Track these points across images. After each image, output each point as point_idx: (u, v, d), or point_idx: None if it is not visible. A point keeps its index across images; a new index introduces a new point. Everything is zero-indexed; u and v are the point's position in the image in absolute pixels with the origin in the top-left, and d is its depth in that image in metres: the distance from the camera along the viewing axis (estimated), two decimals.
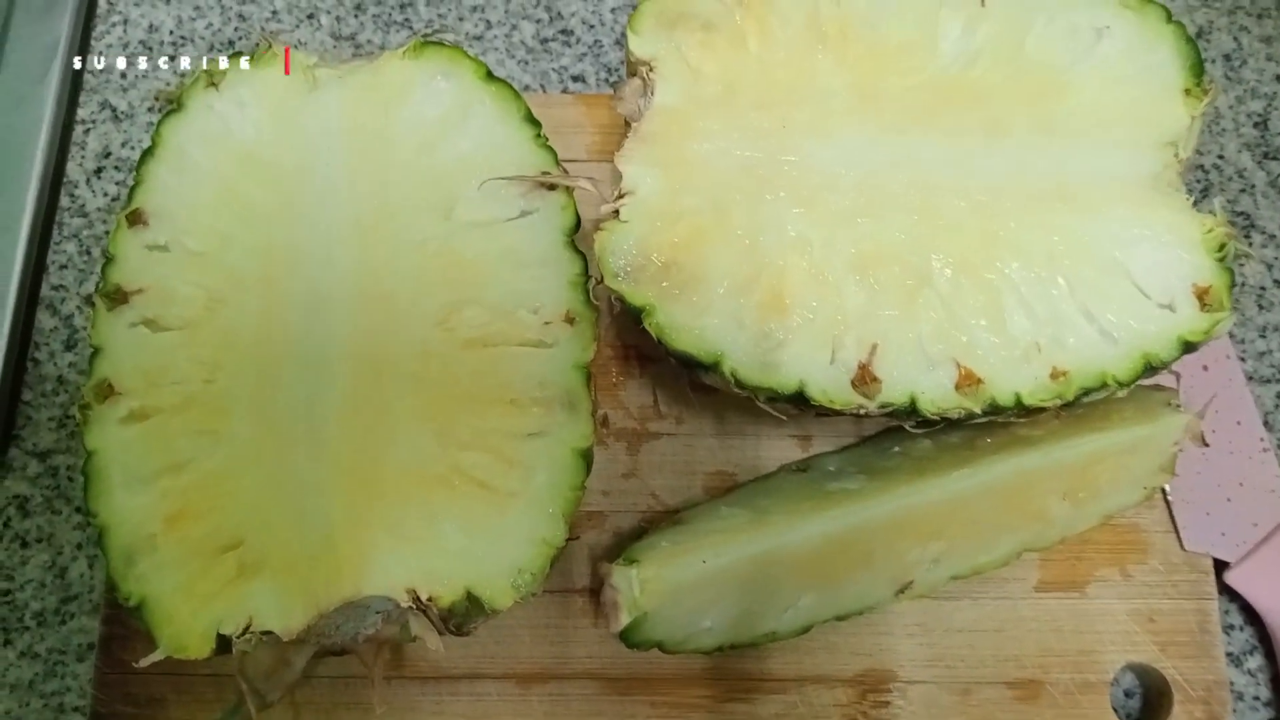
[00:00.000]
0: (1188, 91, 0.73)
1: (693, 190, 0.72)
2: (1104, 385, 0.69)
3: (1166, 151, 0.73)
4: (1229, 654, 0.85)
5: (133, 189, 0.74)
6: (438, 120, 0.74)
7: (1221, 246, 0.70)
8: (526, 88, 0.99)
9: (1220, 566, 0.83)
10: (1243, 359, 0.91)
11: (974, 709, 0.78)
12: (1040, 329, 0.70)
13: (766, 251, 0.71)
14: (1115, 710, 0.79)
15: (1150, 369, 0.69)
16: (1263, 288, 0.93)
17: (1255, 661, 0.85)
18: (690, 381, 0.84)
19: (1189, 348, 0.70)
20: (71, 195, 0.96)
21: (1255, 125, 0.98)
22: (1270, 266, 0.94)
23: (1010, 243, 0.71)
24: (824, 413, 0.71)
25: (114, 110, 0.99)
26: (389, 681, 0.79)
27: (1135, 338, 0.69)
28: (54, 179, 0.96)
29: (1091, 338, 0.70)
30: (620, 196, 0.72)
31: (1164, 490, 0.83)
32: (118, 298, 0.71)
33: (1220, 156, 0.97)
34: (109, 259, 0.72)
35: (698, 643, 0.73)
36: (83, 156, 0.97)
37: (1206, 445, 0.74)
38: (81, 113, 0.99)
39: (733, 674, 0.79)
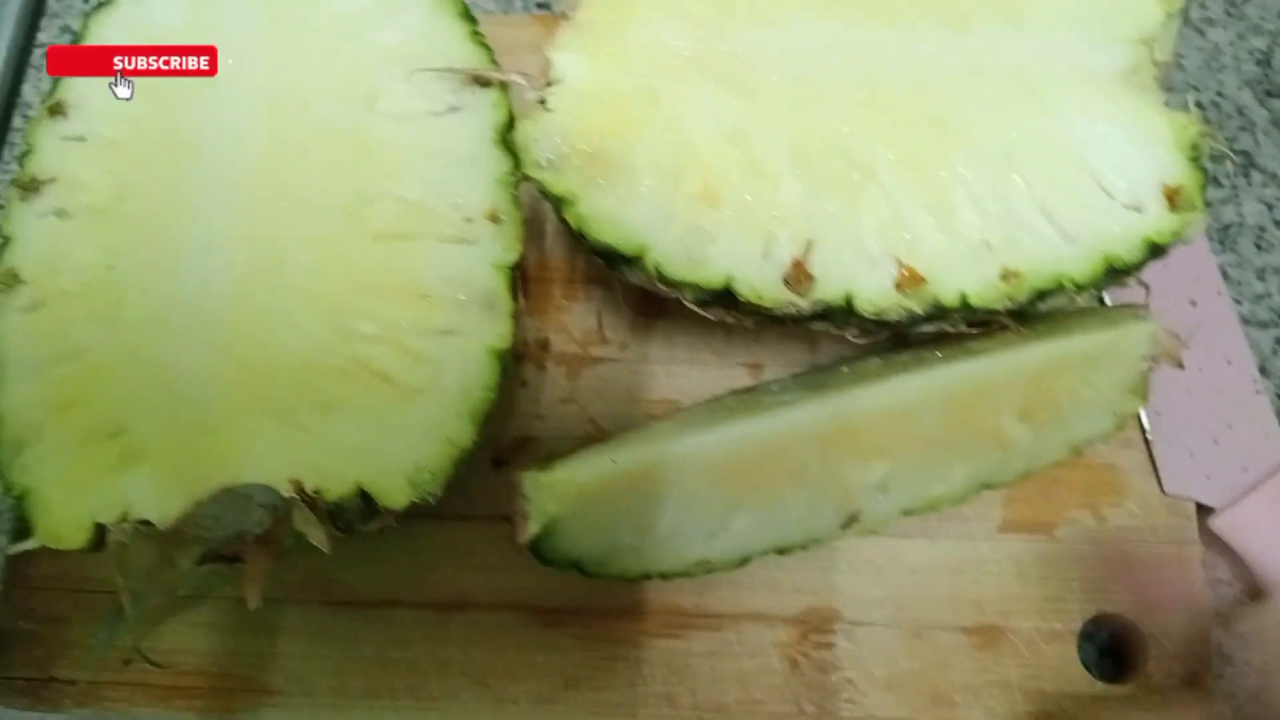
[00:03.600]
0: None
1: (625, 79, 0.67)
2: (1060, 287, 0.63)
3: (1139, 49, 0.67)
4: (1217, 614, 0.78)
5: (55, 82, 0.72)
6: (366, 7, 0.71)
7: (1195, 145, 0.65)
8: (489, 11, 0.95)
9: (1204, 514, 0.76)
10: (1239, 301, 0.85)
11: (927, 654, 0.72)
12: (992, 227, 0.64)
13: (700, 142, 0.66)
14: (1084, 664, 0.73)
15: (1113, 272, 0.64)
16: (1262, 228, 0.87)
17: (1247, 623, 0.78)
18: (634, 303, 0.80)
19: (1156, 250, 0.64)
20: (25, 117, 0.94)
21: (1258, 62, 0.92)
22: (1270, 207, 0.87)
23: (964, 138, 0.66)
24: (760, 316, 0.66)
25: (74, 34, 0.96)
26: (302, 605, 0.74)
27: (1096, 238, 0.64)
28: (8, 102, 0.95)
29: (1048, 237, 0.64)
30: (549, 85, 0.67)
31: (1143, 429, 0.76)
32: (31, 187, 0.68)
33: (1219, 94, 0.91)
34: (26, 150, 0.70)
35: (621, 565, 0.67)
36: (39, 78, 0.95)
37: (1182, 367, 0.68)
38: (42, 36, 0.97)
39: (665, 608, 0.74)
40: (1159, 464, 0.76)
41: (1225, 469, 0.76)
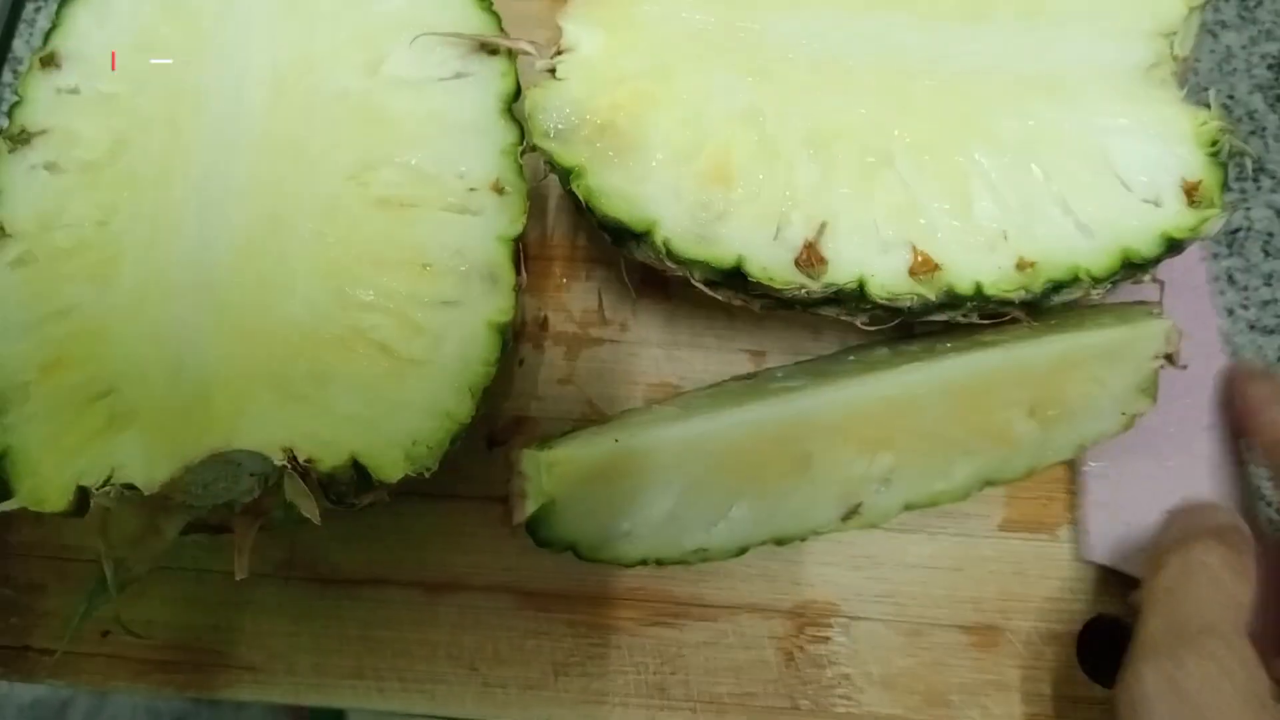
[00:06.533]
0: None
1: (638, 53, 0.66)
2: (1076, 280, 0.62)
3: (1160, 44, 0.66)
4: None
5: (49, 32, 0.69)
6: None
7: (1214, 142, 0.64)
8: None
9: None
10: (1245, 307, 0.84)
11: (924, 652, 0.71)
12: (1009, 217, 0.63)
13: (713, 121, 0.65)
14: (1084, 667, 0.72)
15: (1129, 266, 0.63)
16: (1270, 234, 0.86)
17: None
18: (637, 284, 0.78)
19: (1174, 246, 0.63)
20: (15, 72, 0.92)
21: (1269, 67, 0.91)
22: (1279, 212, 0.87)
23: (982, 126, 0.65)
24: (767, 299, 0.65)
25: None
26: (287, 581, 0.72)
27: (1114, 232, 0.63)
28: None
29: (1065, 229, 0.63)
30: (558, 54, 0.66)
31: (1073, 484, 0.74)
32: (21, 139, 0.67)
33: (1230, 96, 0.90)
34: (17, 101, 0.68)
35: (617, 551, 0.66)
36: (30, 34, 0.93)
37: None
38: None
39: (659, 596, 0.72)
40: (1085, 525, 0.72)
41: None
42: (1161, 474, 0.72)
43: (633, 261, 0.70)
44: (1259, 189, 0.87)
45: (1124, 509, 0.72)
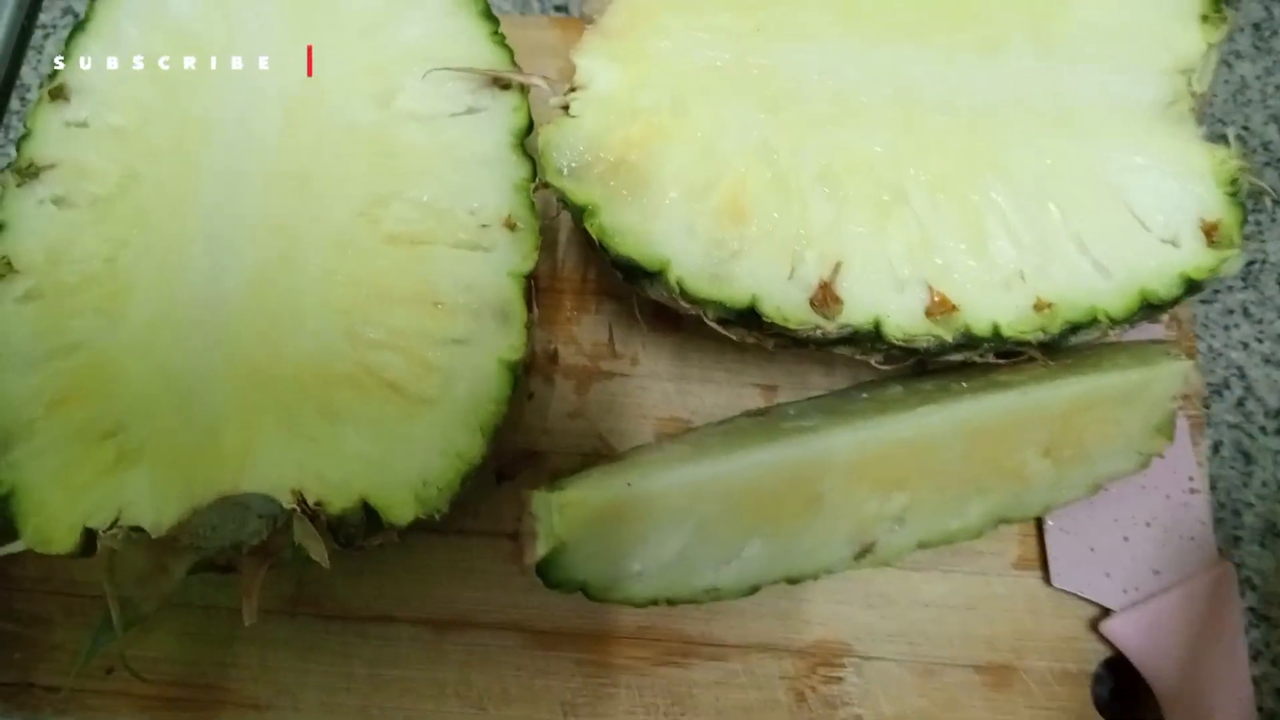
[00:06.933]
0: (1205, 18, 0.66)
1: (652, 88, 0.65)
2: (1094, 321, 0.62)
3: (1179, 80, 0.66)
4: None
5: (57, 65, 0.69)
6: (386, 3, 0.68)
7: (1234, 180, 0.63)
8: (505, 12, 0.93)
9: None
10: (1260, 340, 0.83)
11: (937, 692, 0.70)
12: (1026, 256, 0.63)
13: (727, 157, 0.64)
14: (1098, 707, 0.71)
15: (1148, 308, 0.62)
16: None
17: (1258, 669, 0.76)
18: (648, 318, 0.77)
19: (1193, 287, 0.62)
20: (23, 99, 0.92)
21: None
22: None
23: (998, 164, 0.64)
24: (780, 338, 0.64)
25: (77, 16, 0.94)
26: (294, 617, 0.72)
27: (1132, 272, 0.62)
28: (6, 84, 0.92)
29: (1083, 269, 0.63)
30: (572, 90, 0.65)
31: (1039, 518, 0.73)
32: (29, 173, 0.66)
33: (1245, 128, 0.90)
34: (25, 134, 0.67)
35: (627, 591, 0.65)
36: (39, 60, 0.93)
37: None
38: (44, 18, 0.94)
39: (669, 635, 0.71)
40: (1049, 553, 0.72)
41: (1131, 569, 0.71)
42: (1124, 496, 0.72)
43: (645, 297, 0.69)
44: (1274, 222, 0.87)
45: (1088, 534, 0.72)
